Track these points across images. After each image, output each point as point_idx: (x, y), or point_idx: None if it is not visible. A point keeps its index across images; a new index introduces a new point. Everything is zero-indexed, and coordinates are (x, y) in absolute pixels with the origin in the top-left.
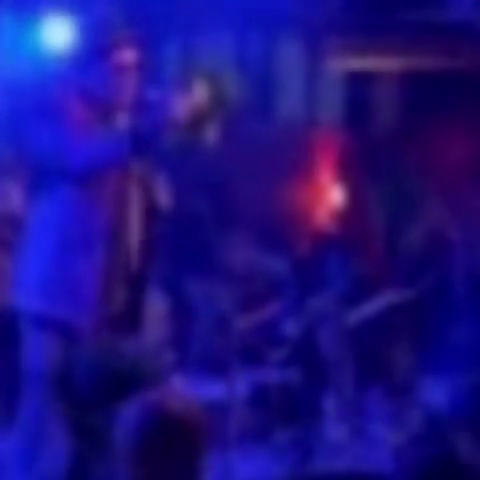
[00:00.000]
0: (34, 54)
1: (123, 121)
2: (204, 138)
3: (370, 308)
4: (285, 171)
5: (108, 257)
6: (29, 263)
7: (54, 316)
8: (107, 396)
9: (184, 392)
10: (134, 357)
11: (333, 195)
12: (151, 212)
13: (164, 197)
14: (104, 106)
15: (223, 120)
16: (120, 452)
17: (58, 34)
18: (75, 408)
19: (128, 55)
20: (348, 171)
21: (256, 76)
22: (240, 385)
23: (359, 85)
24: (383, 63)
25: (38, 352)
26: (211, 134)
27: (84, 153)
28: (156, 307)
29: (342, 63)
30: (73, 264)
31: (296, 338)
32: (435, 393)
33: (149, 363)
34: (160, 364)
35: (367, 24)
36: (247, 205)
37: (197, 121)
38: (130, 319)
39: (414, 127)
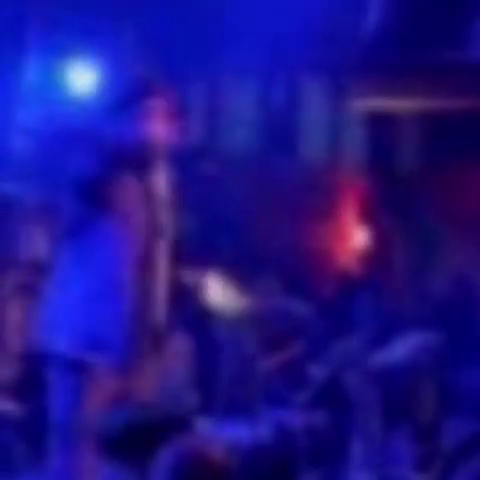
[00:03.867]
0: (59, 100)
1: (161, 169)
2: None
3: (396, 351)
4: (309, 213)
5: (134, 304)
6: (60, 308)
7: (83, 361)
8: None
9: (208, 435)
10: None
11: (357, 236)
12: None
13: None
14: (135, 157)
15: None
16: None
17: (82, 80)
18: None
19: (158, 103)
20: (372, 212)
21: (280, 117)
22: (264, 427)
23: (381, 125)
24: (405, 103)
25: (67, 397)
26: None
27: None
28: (180, 349)
29: (365, 103)
30: (101, 310)
31: (321, 380)
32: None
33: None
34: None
35: (389, 65)
36: (271, 246)
37: None
38: (152, 364)
39: (436, 167)
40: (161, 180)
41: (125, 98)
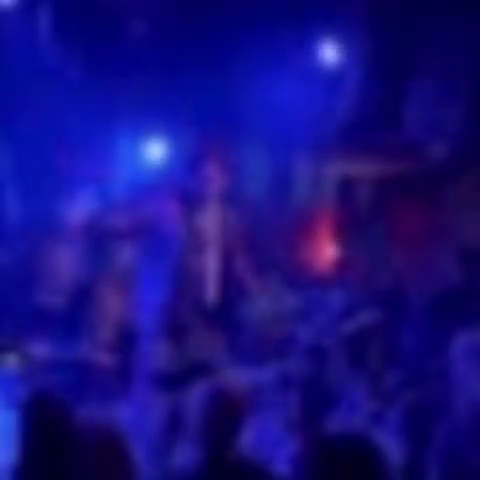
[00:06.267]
0: (140, 167)
1: (214, 208)
2: None
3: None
4: (302, 234)
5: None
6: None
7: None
8: None
9: (235, 377)
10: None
11: (331, 249)
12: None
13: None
14: (194, 197)
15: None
16: (190, 423)
17: (157, 152)
18: None
19: (212, 167)
20: (340, 234)
21: (279, 179)
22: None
23: (347, 184)
24: (364, 169)
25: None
26: None
27: None
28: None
29: (336, 169)
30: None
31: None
32: None
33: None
34: None
35: (353, 142)
36: (273, 254)
37: None
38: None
39: (384, 208)
40: (211, 219)
41: (192, 159)
